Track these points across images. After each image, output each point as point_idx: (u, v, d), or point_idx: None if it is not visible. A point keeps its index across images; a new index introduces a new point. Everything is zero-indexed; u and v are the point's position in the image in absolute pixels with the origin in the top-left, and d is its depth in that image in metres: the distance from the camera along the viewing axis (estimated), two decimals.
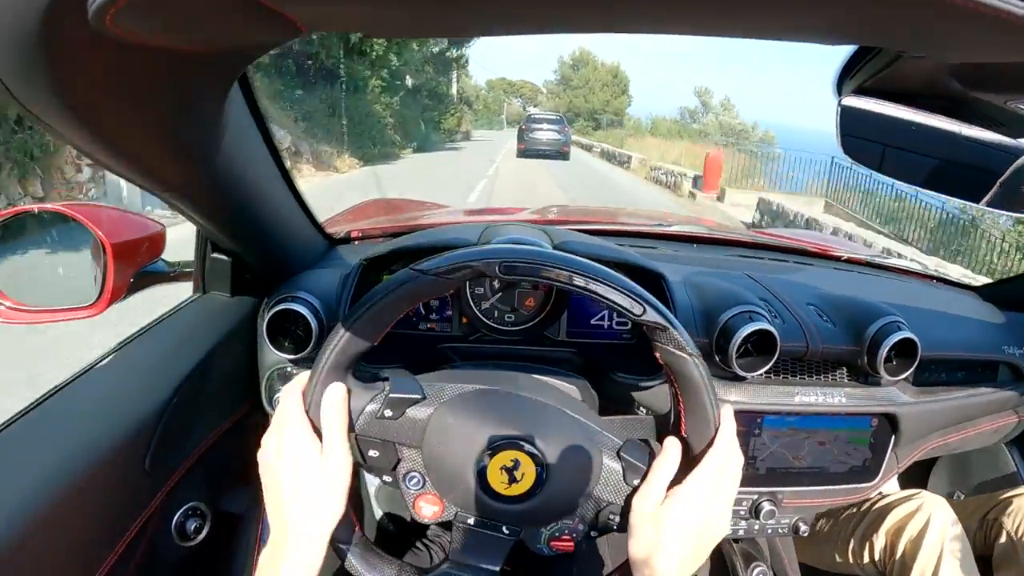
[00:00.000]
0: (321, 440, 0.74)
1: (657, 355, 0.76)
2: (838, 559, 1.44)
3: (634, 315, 0.72)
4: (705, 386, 0.74)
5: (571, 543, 0.85)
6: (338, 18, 0.42)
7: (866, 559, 1.36)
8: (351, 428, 0.78)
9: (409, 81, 25.96)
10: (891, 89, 0.69)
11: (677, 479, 0.75)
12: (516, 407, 0.82)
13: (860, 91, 0.71)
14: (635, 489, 0.77)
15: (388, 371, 0.83)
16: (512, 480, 0.79)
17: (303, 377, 0.77)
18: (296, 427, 0.74)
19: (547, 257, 0.73)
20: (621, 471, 0.80)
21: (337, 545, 0.80)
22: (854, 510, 1.41)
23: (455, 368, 0.99)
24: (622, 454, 0.80)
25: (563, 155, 24.44)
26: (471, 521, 0.83)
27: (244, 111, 0.76)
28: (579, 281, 0.72)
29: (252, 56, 0.53)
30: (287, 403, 0.75)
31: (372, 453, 0.81)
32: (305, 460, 0.73)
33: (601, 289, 0.72)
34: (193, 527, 1.03)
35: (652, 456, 0.79)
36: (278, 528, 0.72)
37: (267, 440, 0.76)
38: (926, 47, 0.48)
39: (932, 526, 1.25)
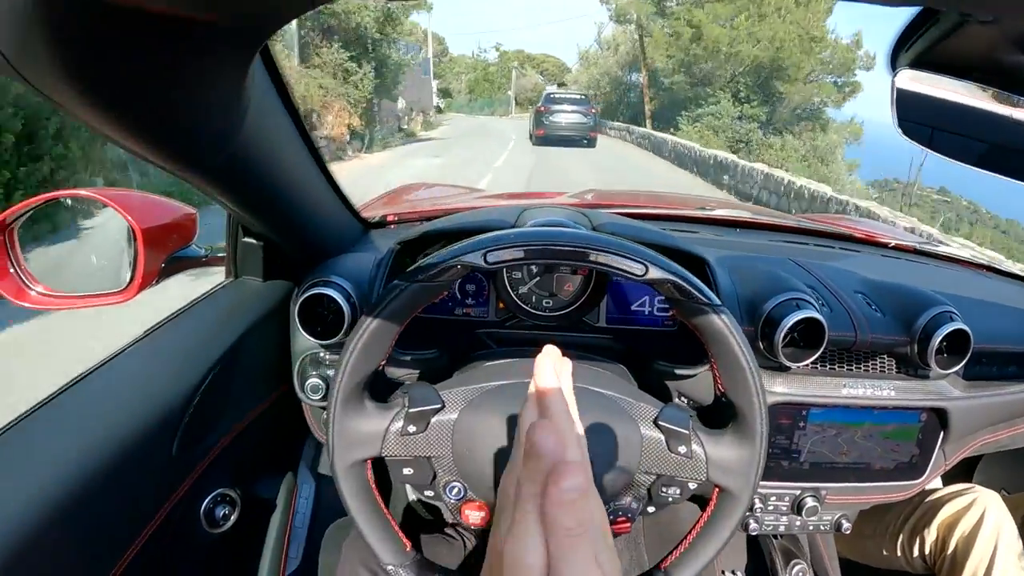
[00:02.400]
0: None
1: (677, 313, 0.74)
2: (885, 553, 1.40)
3: (637, 276, 0.71)
4: (735, 336, 0.72)
5: (628, 524, 0.84)
6: None
7: (915, 554, 1.32)
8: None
9: None
10: (948, 61, 0.66)
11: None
12: None
13: (916, 63, 0.68)
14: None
15: (406, 384, 0.81)
16: None
17: None
18: None
19: (531, 236, 0.71)
20: (663, 440, 0.78)
21: (387, 567, 0.79)
22: (904, 504, 1.36)
23: (482, 360, 0.97)
24: (660, 423, 0.78)
25: (589, 141, 20.69)
26: None
27: (269, 89, 0.74)
28: (575, 252, 0.71)
29: (270, 28, 0.51)
30: None
31: (406, 471, 0.81)
32: None
33: (600, 257, 0.71)
34: (222, 514, 1.02)
35: (693, 419, 0.77)
36: None
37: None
38: (997, 9, 0.44)
39: (986, 521, 1.21)
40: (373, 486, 0.80)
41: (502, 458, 0.77)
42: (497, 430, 0.78)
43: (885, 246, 1.63)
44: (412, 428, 0.77)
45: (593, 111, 21.48)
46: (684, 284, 0.71)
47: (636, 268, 0.70)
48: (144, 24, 0.40)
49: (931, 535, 1.28)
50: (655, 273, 0.70)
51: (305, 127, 0.87)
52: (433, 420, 0.78)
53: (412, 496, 0.83)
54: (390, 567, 0.79)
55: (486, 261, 0.70)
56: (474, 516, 0.83)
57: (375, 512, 0.79)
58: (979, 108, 0.70)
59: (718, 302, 0.73)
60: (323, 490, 1.37)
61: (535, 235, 0.71)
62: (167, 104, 0.53)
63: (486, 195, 2.27)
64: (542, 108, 21.09)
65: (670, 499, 0.81)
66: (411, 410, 0.77)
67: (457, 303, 1.18)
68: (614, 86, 27.46)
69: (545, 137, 20.46)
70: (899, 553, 1.35)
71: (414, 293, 0.73)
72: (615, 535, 0.84)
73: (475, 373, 0.87)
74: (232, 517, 1.04)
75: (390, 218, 1.39)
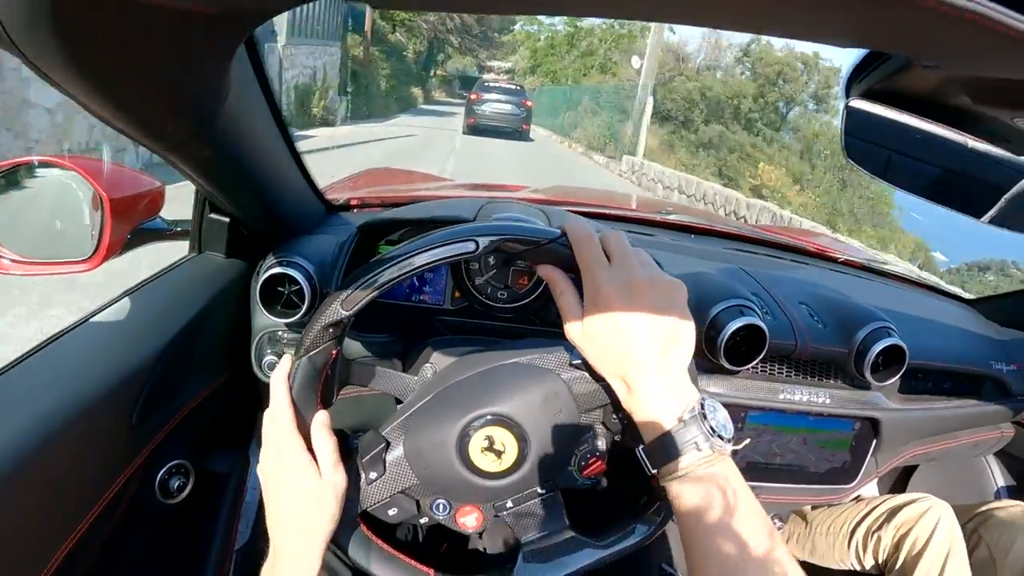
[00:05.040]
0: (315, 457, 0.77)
1: (537, 268, 0.78)
2: (836, 552, 1.45)
3: (473, 253, 0.74)
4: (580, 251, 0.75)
5: (600, 462, 0.86)
6: None
7: (869, 556, 1.38)
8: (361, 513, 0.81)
9: None
10: (899, 95, 0.69)
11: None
12: (460, 393, 0.82)
13: (868, 95, 0.72)
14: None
15: (352, 437, 0.84)
16: (499, 453, 0.79)
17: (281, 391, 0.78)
18: (291, 450, 0.75)
19: (374, 269, 0.73)
20: (585, 375, 0.80)
21: None
22: (862, 506, 1.43)
23: (431, 348, 0.98)
24: (574, 362, 0.81)
25: (521, 134, 21.51)
26: (510, 504, 0.84)
27: (249, 72, 0.75)
28: (415, 263, 0.73)
29: (259, 19, 0.53)
30: (279, 424, 0.76)
31: (392, 512, 0.83)
32: (302, 484, 0.75)
33: (430, 255, 0.73)
34: (176, 485, 1.03)
35: None
36: (275, 541, 0.75)
37: (265, 458, 0.78)
38: (938, 58, 0.48)
39: (939, 530, 1.27)
40: (367, 531, 0.82)
41: (455, 461, 0.79)
42: (438, 440, 0.80)
43: (835, 260, 1.69)
44: (373, 475, 0.80)
45: (527, 103, 22.08)
46: (517, 235, 0.74)
47: (468, 247, 0.73)
48: (140, 11, 0.42)
49: (886, 538, 1.35)
50: (487, 243, 0.74)
51: (281, 114, 0.89)
52: (386, 459, 0.80)
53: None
54: None
55: (344, 310, 0.73)
56: (470, 521, 0.84)
57: (384, 556, 0.81)
58: (933, 133, 0.73)
59: (556, 233, 0.75)
60: None
61: (379, 267, 0.73)
62: (154, 85, 0.54)
63: (450, 184, 2.29)
64: (474, 96, 21.64)
65: (626, 421, 0.83)
66: (363, 460, 0.80)
67: (414, 290, 1.20)
68: None
69: (475, 126, 20.77)
70: (852, 553, 1.42)
71: (306, 367, 0.76)
72: (596, 478, 0.87)
73: (409, 398, 0.88)
74: (186, 489, 1.05)
75: (354, 202, 1.40)
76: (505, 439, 0.79)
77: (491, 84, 22.80)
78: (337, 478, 0.76)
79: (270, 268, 1.03)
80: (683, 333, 0.74)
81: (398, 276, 0.73)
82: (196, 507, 1.09)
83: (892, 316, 1.20)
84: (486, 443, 0.79)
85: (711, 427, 0.67)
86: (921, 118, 0.72)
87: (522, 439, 0.79)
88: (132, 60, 0.49)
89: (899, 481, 1.79)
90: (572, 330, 0.75)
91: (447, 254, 0.73)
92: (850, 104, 0.74)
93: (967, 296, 1.68)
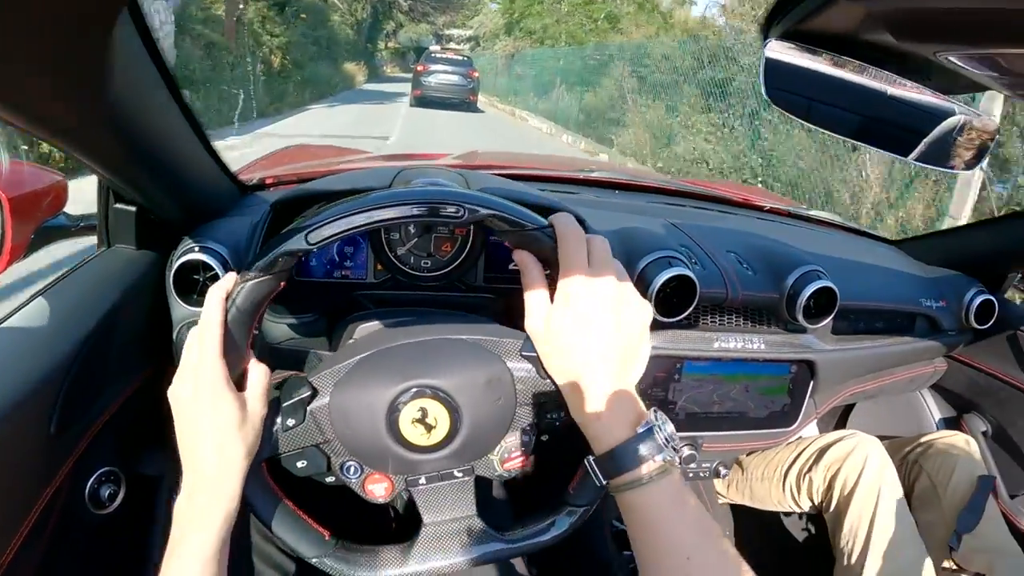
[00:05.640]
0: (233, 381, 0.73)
1: (515, 249, 0.77)
2: (774, 496, 1.49)
3: (460, 219, 0.73)
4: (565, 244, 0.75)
5: (523, 457, 0.85)
6: None
7: (803, 496, 1.42)
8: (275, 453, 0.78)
9: None
10: (819, 35, 0.69)
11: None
12: (401, 358, 0.80)
13: (787, 35, 0.71)
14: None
15: (277, 379, 0.81)
16: (429, 427, 0.77)
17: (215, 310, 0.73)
18: (213, 375, 0.71)
19: (347, 209, 0.71)
20: (532, 369, 0.79)
21: (310, 560, 0.79)
22: (793, 448, 1.46)
23: (354, 326, 0.96)
24: (524, 353, 0.79)
25: (468, 105, 21.19)
26: (423, 481, 0.82)
27: (139, 49, 0.69)
28: (389, 213, 0.71)
29: None
30: (205, 346, 0.71)
31: (300, 464, 0.79)
32: (221, 412, 0.71)
33: (415, 211, 0.72)
34: (107, 493, 0.98)
35: None
36: (189, 470, 0.72)
37: (181, 381, 0.73)
38: None
39: (869, 465, 1.32)
40: (272, 483, 0.79)
41: (381, 426, 0.77)
42: (368, 402, 0.77)
43: (760, 209, 1.72)
44: (291, 422, 0.76)
45: (474, 74, 21.64)
46: (507, 213, 0.74)
47: (458, 212, 0.73)
48: None
49: (818, 478, 1.39)
50: (475, 212, 0.73)
51: (178, 88, 0.84)
52: (309, 408, 0.77)
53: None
54: (314, 560, 0.79)
55: (308, 242, 0.70)
56: (378, 489, 0.82)
57: (284, 509, 0.79)
58: (852, 81, 0.74)
59: (543, 223, 0.75)
60: None
61: (353, 207, 0.71)
62: (29, 62, 0.50)
63: (368, 156, 2.25)
64: (420, 68, 21.28)
65: (557, 423, 0.83)
66: (285, 404, 0.77)
67: (335, 266, 1.17)
68: None
69: (422, 98, 20.49)
70: (788, 495, 1.46)
71: (248, 292, 0.72)
72: (514, 473, 0.86)
73: (344, 350, 0.85)
74: (118, 496, 1.00)
75: (268, 180, 1.36)
76: (439, 414, 0.77)
77: (438, 55, 22.37)
78: (263, 410, 0.74)
79: (182, 256, 0.99)
80: (641, 353, 0.75)
81: (374, 222, 0.71)
82: (131, 514, 1.05)
83: (820, 260, 1.22)
84: (419, 415, 0.77)
85: (665, 438, 0.68)
86: (840, 66, 0.73)
87: (456, 418, 0.78)
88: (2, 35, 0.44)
89: (840, 420, 1.84)
90: (534, 322, 0.76)
91: (438, 214, 0.73)
92: (767, 53, 0.74)
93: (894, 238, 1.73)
